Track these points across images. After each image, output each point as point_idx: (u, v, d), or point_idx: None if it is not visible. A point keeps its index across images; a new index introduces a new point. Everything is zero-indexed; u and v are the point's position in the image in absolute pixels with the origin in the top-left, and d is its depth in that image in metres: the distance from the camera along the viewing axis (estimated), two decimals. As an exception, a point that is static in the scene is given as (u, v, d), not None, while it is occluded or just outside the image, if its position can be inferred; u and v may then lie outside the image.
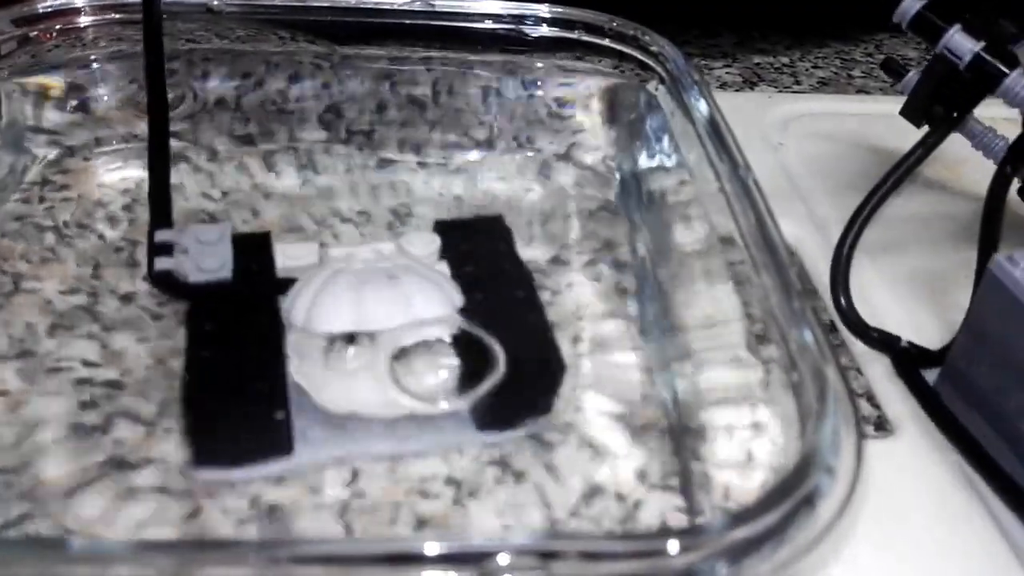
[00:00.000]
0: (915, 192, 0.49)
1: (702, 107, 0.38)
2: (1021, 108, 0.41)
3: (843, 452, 0.23)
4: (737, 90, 0.61)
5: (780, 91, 0.61)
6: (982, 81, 0.41)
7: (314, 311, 0.31)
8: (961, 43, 0.41)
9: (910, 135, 0.43)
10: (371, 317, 0.31)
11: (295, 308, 0.32)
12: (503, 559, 0.20)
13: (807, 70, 0.65)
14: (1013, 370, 0.33)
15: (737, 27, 0.69)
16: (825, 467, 0.22)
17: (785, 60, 0.66)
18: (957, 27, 0.42)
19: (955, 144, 0.43)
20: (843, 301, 0.39)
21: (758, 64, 0.65)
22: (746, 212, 0.33)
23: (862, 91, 0.62)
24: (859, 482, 0.22)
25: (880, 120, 0.51)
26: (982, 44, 0.41)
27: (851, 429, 0.23)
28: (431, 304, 0.31)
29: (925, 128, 0.43)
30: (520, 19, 0.45)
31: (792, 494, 0.22)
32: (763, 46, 0.67)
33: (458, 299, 0.32)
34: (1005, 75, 0.41)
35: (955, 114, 0.42)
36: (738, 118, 0.53)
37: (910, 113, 0.44)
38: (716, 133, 0.36)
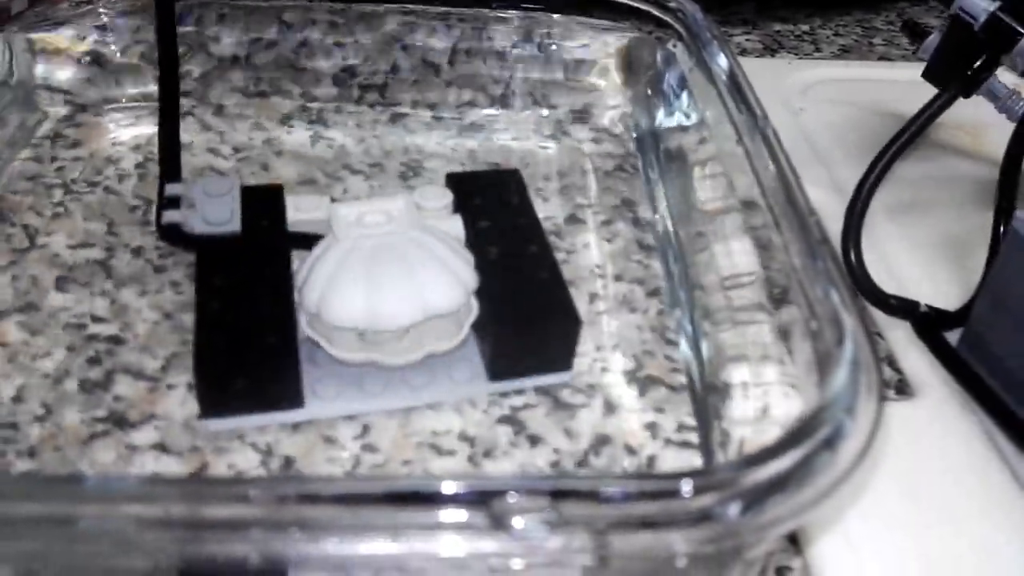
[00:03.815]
0: (936, 156, 0.48)
1: (721, 61, 0.38)
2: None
3: (862, 395, 0.22)
4: (757, 57, 0.60)
5: (801, 58, 0.60)
6: (997, 41, 0.40)
7: (326, 301, 0.30)
8: (976, 2, 0.40)
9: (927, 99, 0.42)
10: (383, 313, 0.30)
11: (307, 291, 0.31)
12: (513, 498, 0.20)
13: (828, 38, 0.64)
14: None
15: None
16: (845, 409, 0.22)
17: (806, 28, 0.65)
18: (972, -14, 0.41)
19: (977, 109, 0.42)
20: (856, 270, 0.38)
21: (778, 31, 0.64)
22: (766, 165, 0.32)
23: (883, 58, 0.61)
24: (880, 426, 0.22)
25: (901, 86, 0.49)
26: (997, 4, 0.40)
27: (871, 372, 0.23)
28: (444, 295, 0.31)
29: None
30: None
31: (810, 436, 0.21)
32: (784, 13, 0.66)
33: (472, 281, 0.32)
34: (1021, 35, 0.40)
35: (969, 73, 0.41)
36: (758, 84, 0.52)
37: (932, 76, 0.43)
38: (736, 87, 0.36)
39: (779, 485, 0.20)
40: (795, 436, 0.21)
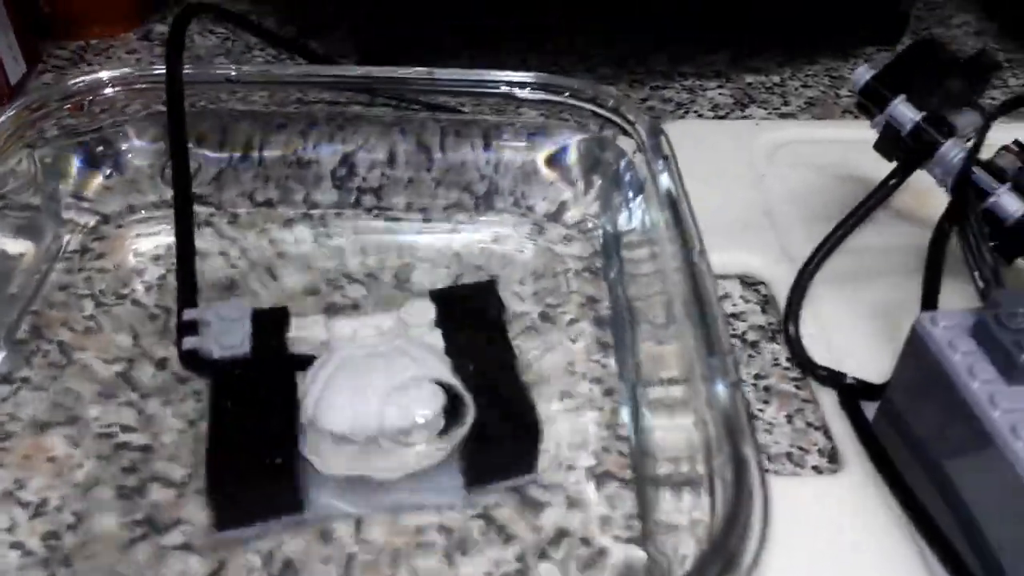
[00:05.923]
0: (879, 219, 0.51)
1: (664, 182, 0.42)
2: (952, 174, 0.44)
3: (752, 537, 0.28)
4: (727, 113, 0.64)
5: (769, 114, 0.64)
6: (920, 148, 0.46)
7: (319, 409, 0.35)
8: (904, 112, 0.45)
9: (886, 162, 0.48)
10: (367, 417, 0.35)
11: (305, 402, 0.36)
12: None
13: (796, 89, 0.68)
14: (933, 419, 0.36)
15: (731, 43, 0.73)
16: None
17: (776, 79, 0.69)
18: (901, 98, 0.46)
19: (922, 174, 0.47)
20: (793, 343, 0.44)
21: (750, 84, 0.68)
22: (696, 294, 0.37)
23: (847, 111, 0.65)
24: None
25: (861, 146, 0.52)
26: (922, 115, 0.45)
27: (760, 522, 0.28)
28: (424, 402, 0.36)
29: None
30: (511, 84, 0.49)
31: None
32: (756, 63, 0.70)
33: (452, 381, 0.37)
34: (940, 144, 0.45)
35: (905, 171, 0.47)
36: (727, 148, 0.57)
37: (882, 149, 0.48)
38: (675, 216, 0.40)
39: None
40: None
